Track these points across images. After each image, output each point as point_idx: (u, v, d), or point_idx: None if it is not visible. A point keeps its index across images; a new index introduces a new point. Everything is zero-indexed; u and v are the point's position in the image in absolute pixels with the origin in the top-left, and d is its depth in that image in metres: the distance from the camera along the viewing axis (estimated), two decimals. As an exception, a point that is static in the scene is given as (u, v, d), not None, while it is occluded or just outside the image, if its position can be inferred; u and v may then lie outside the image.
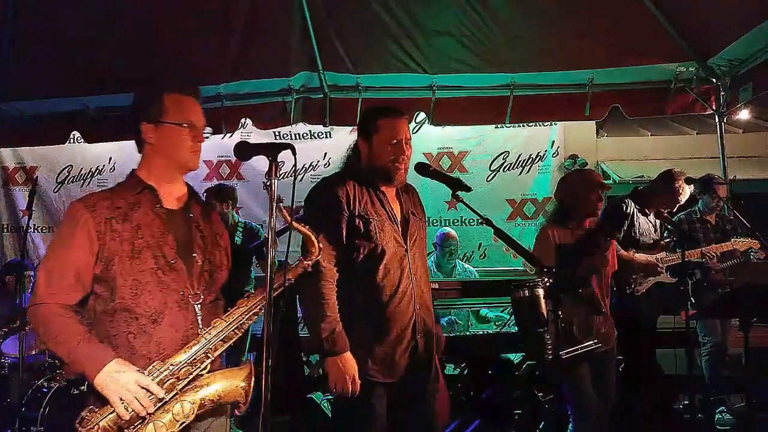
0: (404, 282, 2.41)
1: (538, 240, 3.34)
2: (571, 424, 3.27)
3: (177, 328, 1.81)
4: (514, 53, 4.50)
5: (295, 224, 1.85)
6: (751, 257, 4.49)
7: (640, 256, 4.01)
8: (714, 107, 4.66)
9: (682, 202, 4.14)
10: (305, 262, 1.93)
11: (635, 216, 4.08)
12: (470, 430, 3.93)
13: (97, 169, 6.41)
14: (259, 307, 1.84)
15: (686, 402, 4.69)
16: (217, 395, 1.75)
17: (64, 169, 6.43)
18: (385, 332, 2.38)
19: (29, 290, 4.75)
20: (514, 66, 4.57)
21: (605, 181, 6.18)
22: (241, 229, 4.58)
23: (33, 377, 3.97)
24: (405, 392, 2.44)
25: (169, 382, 1.71)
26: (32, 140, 5.28)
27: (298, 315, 5.80)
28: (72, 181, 6.43)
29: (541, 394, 2.62)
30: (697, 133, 6.51)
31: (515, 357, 4.39)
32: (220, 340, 1.78)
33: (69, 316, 1.77)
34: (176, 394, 1.72)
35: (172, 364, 1.72)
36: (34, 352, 4.16)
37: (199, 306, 1.85)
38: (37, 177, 6.12)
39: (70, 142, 5.46)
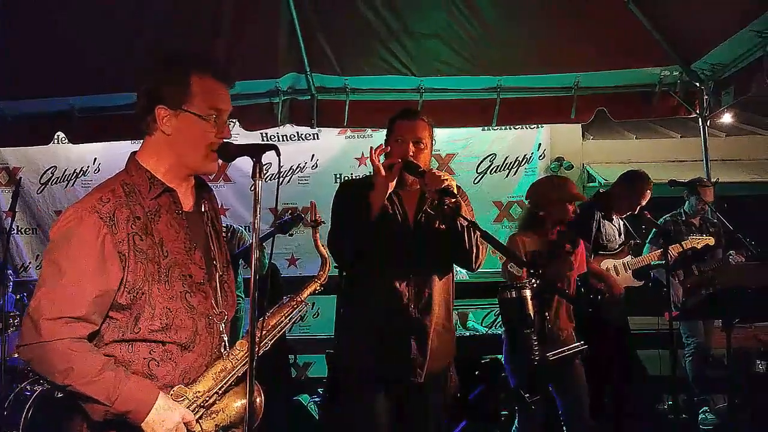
0: (405, 279, 2.41)
1: (509, 246, 3.34)
2: (564, 426, 3.29)
3: (205, 355, 1.63)
4: (500, 56, 4.53)
5: (319, 244, 1.90)
6: (731, 260, 4.54)
7: (609, 277, 3.96)
8: (697, 111, 4.72)
9: (644, 204, 4.07)
10: (316, 283, 1.87)
11: (601, 222, 4.02)
12: (458, 430, 3.94)
13: (81, 170, 6.35)
14: (281, 324, 1.76)
15: (670, 402, 4.74)
16: (232, 418, 1.64)
17: (47, 169, 6.35)
18: (382, 329, 2.39)
19: (10, 290, 4.69)
20: (501, 69, 4.60)
21: (591, 184, 6.30)
22: (223, 233, 4.53)
23: (15, 380, 3.93)
24: (401, 396, 2.45)
25: (197, 413, 1.58)
26: (16, 141, 5.21)
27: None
28: (56, 182, 6.36)
29: (527, 395, 2.63)
30: (681, 137, 6.59)
31: (503, 358, 4.41)
32: (244, 364, 1.64)
33: (91, 349, 1.50)
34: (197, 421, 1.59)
35: (200, 392, 1.58)
36: (16, 355, 4.11)
37: (223, 326, 1.68)
38: (20, 178, 6.05)
39: (54, 143, 5.40)
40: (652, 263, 4.14)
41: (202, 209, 1.73)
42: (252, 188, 1.55)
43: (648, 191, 4.02)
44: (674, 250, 4.06)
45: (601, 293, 3.84)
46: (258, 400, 1.61)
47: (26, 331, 1.48)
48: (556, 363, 3.01)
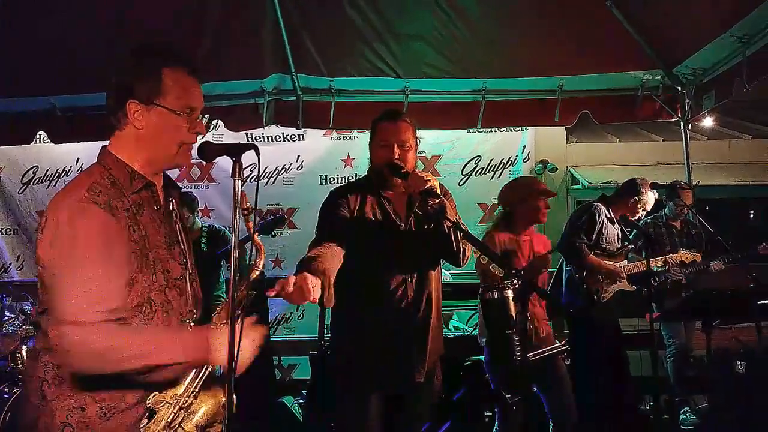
0: (403, 280, 2.41)
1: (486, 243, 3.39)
2: (551, 422, 3.31)
3: None
4: (486, 59, 4.55)
5: (253, 235, 1.78)
6: (712, 267, 4.60)
7: (607, 263, 4.05)
8: (679, 114, 4.78)
9: (648, 209, 4.22)
10: (255, 273, 1.76)
11: (604, 224, 4.10)
12: (442, 431, 3.95)
13: (63, 169, 6.27)
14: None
15: (652, 403, 4.79)
16: (208, 417, 1.63)
17: (29, 169, 6.27)
18: (383, 331, 2.39)
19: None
20: (486, 71, 4.63)
21: (575, 186, 6.36)
22: (205, 233, 4.50)
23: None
24: (397, 395, 2.46)
25: (178, 419, 1.55)
26: (-4, 140, 5.15)
27: (269, 317, 5.78)
28: (38, 182, 6.28)
29: (509, 395, 2.65)
30: (663, 140, 6.67)
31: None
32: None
33: (132, 327, 1.50)
34: (176, 426, 1.57)
35: (176, 395, 1.56)
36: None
37: (192, 324, 1.65)
38: (0, 178, 5.97)
39: (35, 142, 5.34)
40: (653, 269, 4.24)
41: (171, 207, 1.72)
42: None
43: (648, 198, 4.19)
44: (657, 263, 4.22)
45: (598, 293, 3.91)
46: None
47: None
48: (537, 362, 3.04)
